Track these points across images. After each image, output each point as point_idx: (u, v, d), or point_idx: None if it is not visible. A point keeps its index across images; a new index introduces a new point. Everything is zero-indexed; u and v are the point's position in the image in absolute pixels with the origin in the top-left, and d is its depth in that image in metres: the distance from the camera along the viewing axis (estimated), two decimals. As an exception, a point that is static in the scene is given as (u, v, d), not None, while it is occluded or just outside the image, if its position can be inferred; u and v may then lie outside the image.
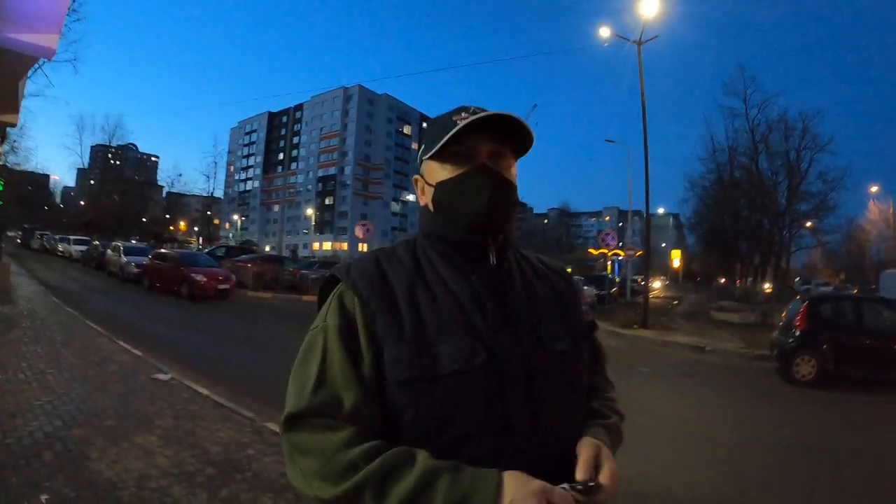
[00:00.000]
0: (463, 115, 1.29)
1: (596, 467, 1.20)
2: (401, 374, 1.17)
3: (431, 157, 1.34)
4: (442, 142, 1.28)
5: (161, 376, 7.83)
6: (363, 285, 1.27)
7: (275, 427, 5.90)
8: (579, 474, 1.17)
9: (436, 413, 1.16)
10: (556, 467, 1.19)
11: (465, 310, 1.26)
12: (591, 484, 1.14)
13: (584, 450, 1.23)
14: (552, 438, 1.25)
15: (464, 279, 1.30)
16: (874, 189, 54.43)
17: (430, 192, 1.37)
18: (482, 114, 1.26)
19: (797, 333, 11.58)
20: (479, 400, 1.18)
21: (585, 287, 21.93)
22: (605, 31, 22.96)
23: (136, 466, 4.67)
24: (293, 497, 4.30)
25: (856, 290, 39.91)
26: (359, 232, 28.25)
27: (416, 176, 1.44)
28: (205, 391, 7.24)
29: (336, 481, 1.08)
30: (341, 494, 1.07)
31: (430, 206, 1.38)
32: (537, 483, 1.06)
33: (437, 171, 1.35)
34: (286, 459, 1.18)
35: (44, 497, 3.98)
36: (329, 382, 1.18)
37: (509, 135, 1.32)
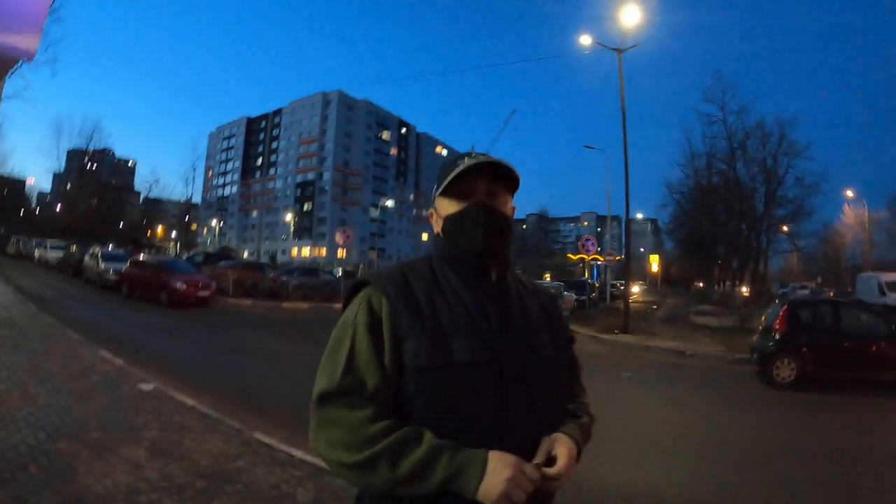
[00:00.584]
0: (466, 160, 1.58)
1: (553, 457, 1.47)
2: (421, 362, 1.43)
3: (441, 194, 1.64)
4: (445, 182, 1.59)
5: (145, 386, 7.76)
6: (392, 289, 1.52)
7: (263, 438, 5.88)
8: (536, 457, 1.44)
9: (446, 397, 1.42)
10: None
11: (473, 315, 1.52)
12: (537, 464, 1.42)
13: (546, 440, 1.50)
14: (539, 426, 1.52)
15: (471, 291, 1.56)
16: (849, 194, 55.11)
17: (440, 223, 1.67)
18: (478, 160, 1.56)
19: (777, 337, 11.70)
20: (482, 389, 1.45)
21: (566, 293, 21.98)
22: (586, 39, 23.10)
23: (124, 480, 4.61)
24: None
25: (832, 294, 40.37)
26: (339, 238, 28.18)
27: (431, 209, 1.74)
28: (190, 401, 7.17)
29: (358, 450, 1.34)
30: (360, 461, 1.34)
31: (441, 235, 1.67)
32: (513, 458, 1.35)
33: (446, 206, 1.64)
34: (312, 430, 1.43)
35: (32, 512, 3.93)
36: (355, 368, 1.44)
37: (502, 176, 1.60)
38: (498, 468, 1.32)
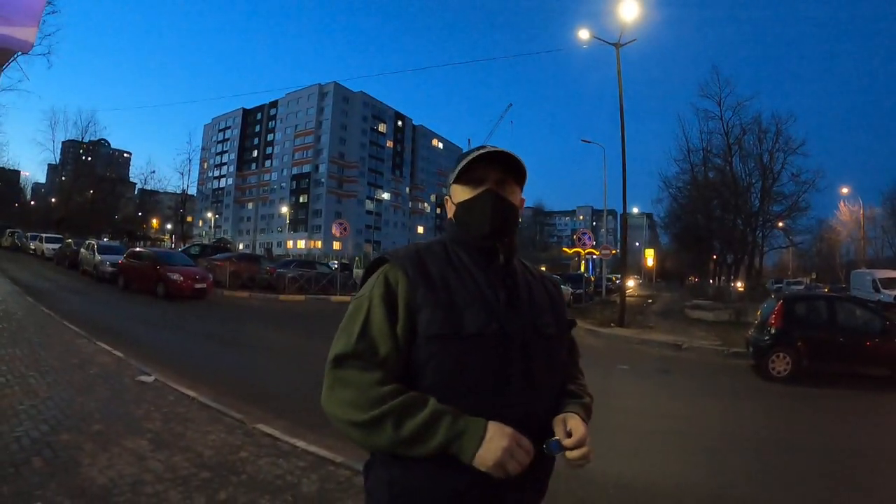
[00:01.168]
0: (481, 151, 1.67)
1: (569, 432, 1.58)
2: (433, 331, 1.52)
3: (455, 182, 1.74)
4: (457, 169, 1.71)
5: (145, 378, 7.78)
6: (409, 265, 1.62)
7: (266, 429, 5.91)
8: (556, 434, 1.58)
9: (454, 364, 1.51)
10: (539, 422, 1.60)
11: (483, 292, 1.61)
12: (563, 442, 1.56)
13: (560, 419, 1.62)
14: (538, 399, 1.62)
15: (482, 270, 1.66)
16: (845, 191, 55.37)
17: (453, 209, 1.77)
18: (489, 149, 1.66)
19: (772, 331, 11.80)
20: (488, 359, 1.54)
21: (563, 286, 22.00)
22: (584, 34, 23.04)
23: (129, 472, 4.63)
24: (291, 499, 4.32)
25: (827, 289, 40.50)
26: (335, 230, 28.17)
27: (446, 196, 1.83)
28: (191, 393, 7.18)
29: (367, 409, 1.44)
30: (368, 420, 1.43)
31: (454, 220, 1.77)
32: (511, 430, 1.45)
33: (459, 193, 1.73)
34: (325, 390, 1.53)
35: (38, 505, 3.95)
36: (369, 335, 1.53)
37: (512, 167, 1.71)
38: (496, 437, 1.41)
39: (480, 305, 1.58)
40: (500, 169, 1.69)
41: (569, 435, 1.57)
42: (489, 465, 1.40)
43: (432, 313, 1.53)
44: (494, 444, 1.40)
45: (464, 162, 1.68)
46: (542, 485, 1.69)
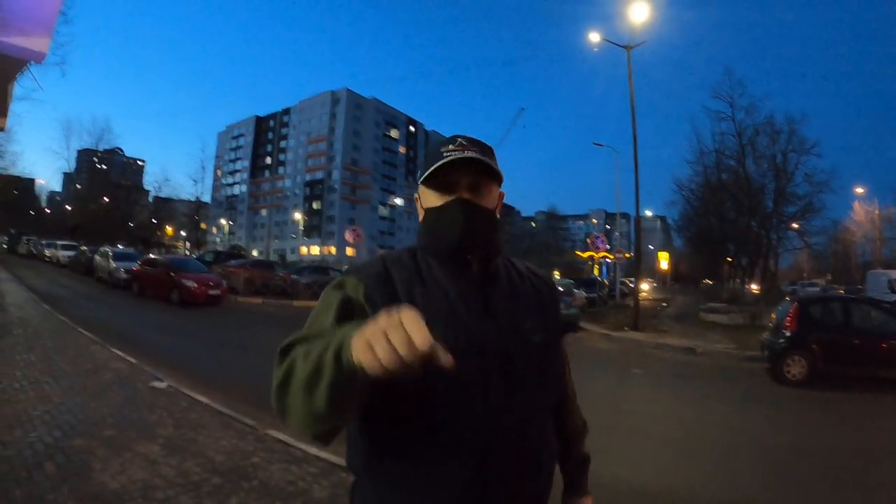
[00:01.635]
0: (451, 147, 1.52)
1: None
2: None
3: (423, 183, 1.57)
4: (426, 173, 1.52)
5: (158, 384, 7.81)
6: (370, 278, 1.47)
7: (278, 435, 5.91)
8: None
9: (423, 387, 1.32)
10: (525, 440, 1.46)
11: (453, 303, 1.46)
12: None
13: None
14: (524, 412, 1.47)
15: (453, 280, 1.50)
16: (859, 191, 54.96)
17: (422, 214, 1.60)
18: (458, 155, 1.48)
19: (787, 334, 11.69)
20: (460, 376, 1.28)
21: (576, 290, 21.97)
22: (594, 36, 23.04)
23: (140, 477, 4.65)
24: (302, 506, 4.32)
25: (842, 291, 40.23)
26: (349, 236, 28.29)
27: (416, 195, 1.66)
28: (203, 399, 7.21)
29: (277, 376, 1.23)
30: (279, 381, 1.21)
31: (424, 226, 1.60)
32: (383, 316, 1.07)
33: (428, 196, 1.57)
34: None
35: (50, 509, 3.97)
36: (316, 324, 1.39)
37: (486, 166, 1.52)
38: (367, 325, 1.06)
39: (448, 319, 1.42)
40: (472, 171, 1.52)
41: None
42: (357, 358, 1.03)
43: None
44: (361, 333, 1.04)
45: (430, 169, 1.50)
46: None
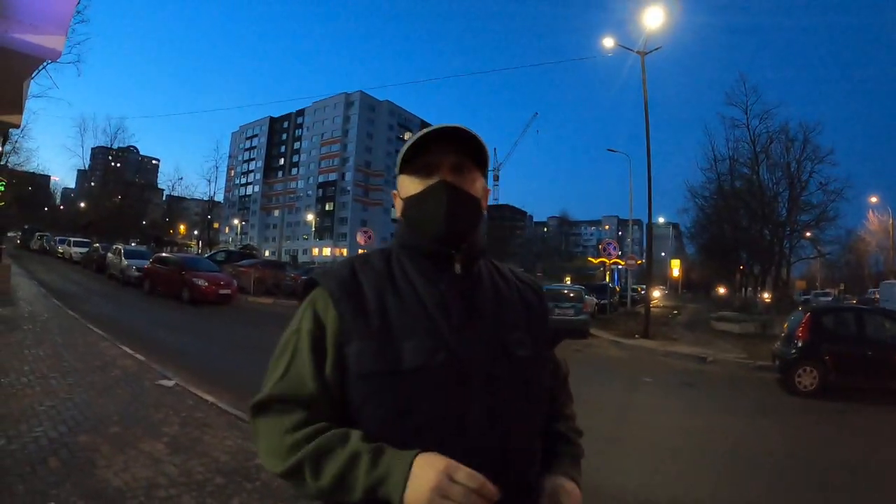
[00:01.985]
0: (429, 129, 1.38)
1: None
2: (364, 368, 1.26)
3: (402, 172, 1.45)
4: (400, 156, 1.41)
5: (165, 382, 7.81)
6: (336, 287, 1.35)
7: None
8: None
9: (396, 407, 1.24)
10: (509, 466, 1.30)
11: (430, 312, 1.33)
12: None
13: (549, 489, 1.37)
14: (508, 437, 1.32)
15: (432, 285, 1.37)
16: (874, 200, 54.62)
17: (401, 205, 1.47)
18: (433, 127, 1.37)
19: (799, 344, 11.59)
20: (438, 396, 1.26)
21: (587, 296, 21.88)
22: (608, 42, 23.04)
23: (144, 475, 4.64)
24: (303, 507, 4.28)
25: (855, 301, 39.93)
26: (360, 238, 28.28)
27: (394, 191, 1.53)
28: (210, 398, 7.21)
29: (283, 458, 1.21)
30: (286, 470, 1.21)
31: (403, 219, 1.48)
32: (443, 462, 1.13)
33: (408, 185, 1.44)
34: (254, 442, 1.33)
35: (51, 505, 3.96)
36: (292, 375, 1.30)
37: (471, 149, 1.41)
38: (422, 475, 1.11)
39: (425, 331, 1.30)
40: (455, 151, 1.40)
41: None
42: None
43: (362, 347, 1.27)
44: (422, 483, 1.09)
45: (408, 144, 1.39)
46: None
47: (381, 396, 1.25)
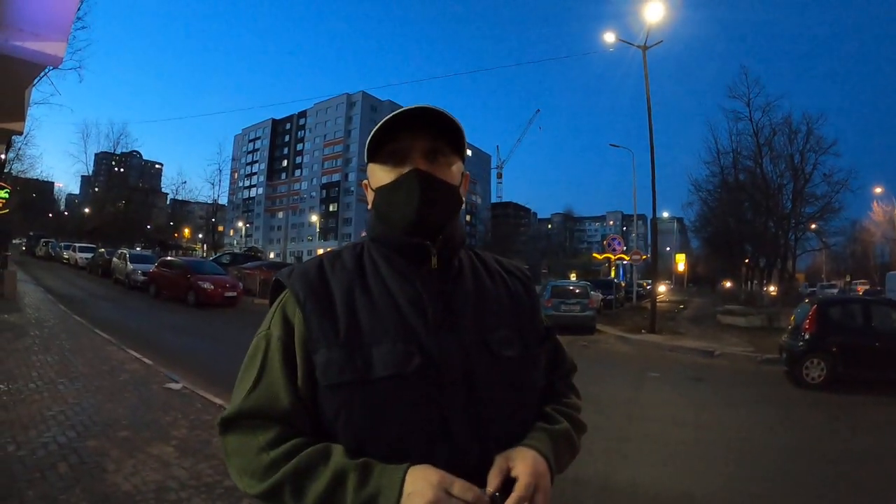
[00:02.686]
0: (398, 111, 1.26)
1: (511, 477, 1.14)
2: (332, 379, 1.16)
3: (372, 160, 1.34)
4: (367, 144, 1.29)
5: (173, 385, 7.82)
6: (301, 288, 1.25)
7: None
8: (489, 484, 1.11)
9: (369, 418, 1.14)
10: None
11: (404, 313, 1.23)
12: (497, 494, 1.10)
13: (500, 458, 1.17)
14: (495, 446, 1.20)
15: (406, 282, 1.27)
16: (878, 190, 54.51)
17: (371, 196, 1.36)
18: (401, 109, 1.25)
19: (806, 337, 11.55)
20: (414, 405, 1.16)
21: (593, 292, 21.84)
22: (609, 37, 23.00)
23: (153, 478, 4.65)
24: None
25: (861, 291, 39.83)
26: (364, 239, 28.29)
27: (365, 181, 1.42)
28: (218, 401, 7.20)
29: (260, 479, 1.11)
30: (264, 491, 1.10)
31: (373, 211, 1.37)
32: (437, 475, 1.05)
33: (378, 174, 1.33)
34: (225, 459, 1.21)
35: (62, 510, 3.97)
36: (263, 387, 1.19)
37: (446, 131, 1.30)
38: (416, 490, 1.03)
39: (397, 335, 1.19)
40: (428, 134, 1.28)
41: (510, 484, 1.12)
42: None
43: (329, 355, 1.17)
44: (415, 500, 1.01)
45: (376, 130, 1.27)
46: None
47: (353, 408, 1.15)
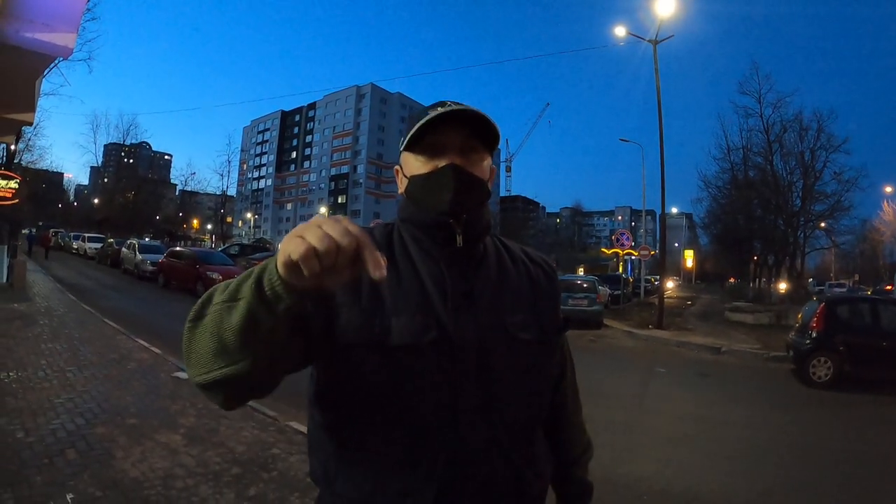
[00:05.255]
0: (439, 109, 1.30)
1: None
2: (351, 339, 1.18)
3: (407, 149, 1.37)
4: (410, 134, 1.32)
5: (181, 374, 7.84)
6: None
7: (299, 427, 5.91)
8: None
9: (380, 384, 1.18)
10: (504, 459, 1.25)
11: (426, 289, 1.27)
12: None
13: None
14: (503, 423, 1.26)
15: (432, 261, 1.31)
16: (889, 189, 54.10)
17: (405, 183, 1.40)
18: (447, 109, 1.28)
19: (813, 335, 11.51)
20: (426, 376, 1.19)
21: (600, 287, 21.81)
22: (620, 31, 22.92)
23: (161, 465, 4.69)
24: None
25: (869, 292, 39.68)
26: (373, 231, 28.34)
27: (397, 166, 1.47)
28: (226, 390, 7.23)
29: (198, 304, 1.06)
30: (194, 311, 1.05)
31: (405, 196, 1.41)
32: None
33: (412, 163, 1.36)
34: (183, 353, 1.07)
35: (69, 496, 4.00)
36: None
37: (480, 129, 1.33)
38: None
39: (417, 307, 1.23)
40: (464, 131, 1.33)
41: None
42: (284, 262, 0.89)
43: (350, 316, 1.19)
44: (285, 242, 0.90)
45: (418, 126, 1.30)
46: None
47: (366, 370, 1.19)
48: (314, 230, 0.86)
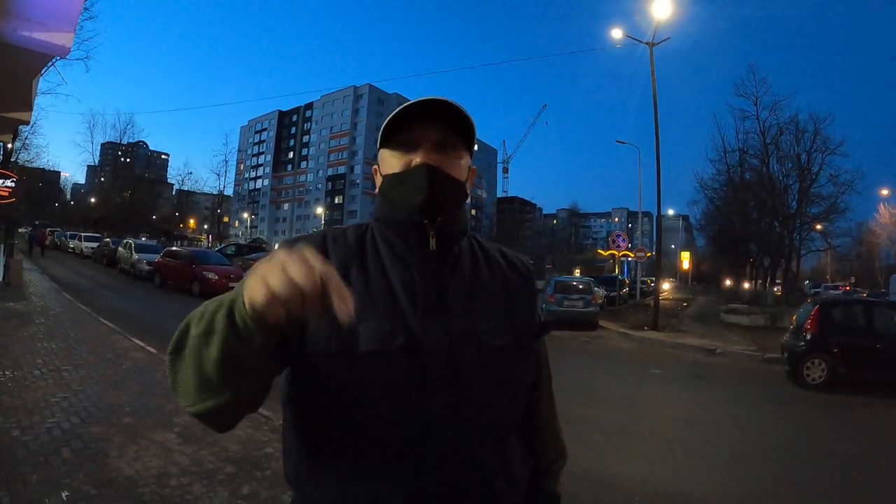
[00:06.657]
0: (411, 102, 1.27)
1: None
2: (319, 348, 1.15)
3: (383, 146, 1.33)
4: (381, 130, 1.31)
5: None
6: None
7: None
8: None
9: (351, 391, 1.14)
10: (475, 468, 1.21)
11: (395, 294, 1.22)
12: None
13: None
14: (475, 430, 1.21)
15: (402, 265, 1.27)
16: (885, 192, 54.17)
17: (380, 181, 1.37)
18: (415, 100, 1.25)
19: (808, 337, 11.54)
20: (396, 382, 1.15)
21: (596, 288, 21.82)
22: (617, 33, 22.91)
23: (155, 464, 4.71)
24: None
25: (865, 294, 39.75)
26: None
27: (375, 166, 1.41)
28: (220, 389, 7.24)
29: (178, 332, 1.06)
30: (175, 338, 1.06)
31: (381, 195, 1.36)
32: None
33: (388, 160, 1.33)
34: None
35: (64, 494, 4.02)
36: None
37: (456, 124, 1.29)
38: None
39: (386, 313, 1.19)
40: (439, 126, 1.28)
41: None
42: (249, 303, 0.90)
43: (317, 324, 1.14)
44: (253, 270, 0.92)
45: (389, 118, 1.28)
46: None
47: (332, 380, 1.15)
48: (277, 274, 0.86)
